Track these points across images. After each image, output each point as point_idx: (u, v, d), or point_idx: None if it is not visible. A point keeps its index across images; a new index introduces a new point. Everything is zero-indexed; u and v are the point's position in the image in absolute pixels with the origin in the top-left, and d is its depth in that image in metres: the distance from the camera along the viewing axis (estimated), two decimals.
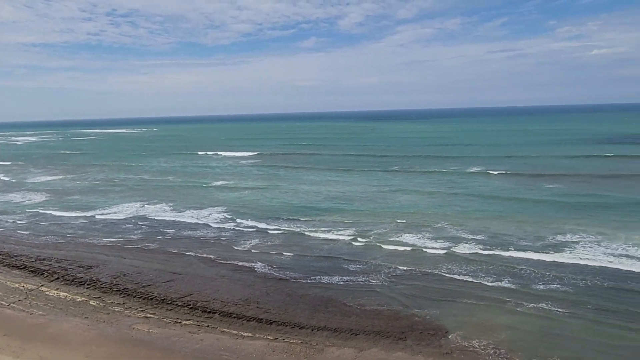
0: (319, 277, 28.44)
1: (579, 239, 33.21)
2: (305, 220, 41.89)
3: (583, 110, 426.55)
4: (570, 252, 30.67)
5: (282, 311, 23.85)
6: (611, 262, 28.63)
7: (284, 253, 33.17)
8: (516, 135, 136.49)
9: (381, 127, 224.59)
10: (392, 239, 35.22)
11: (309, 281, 27.87)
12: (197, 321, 22.96)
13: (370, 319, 22.76)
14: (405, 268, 29.35)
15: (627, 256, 29.50)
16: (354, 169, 73.60)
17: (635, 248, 30.88)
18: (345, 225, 39.55)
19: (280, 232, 38.58)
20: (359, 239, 35.62)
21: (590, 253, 30.34)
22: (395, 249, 33.03)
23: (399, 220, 40.24)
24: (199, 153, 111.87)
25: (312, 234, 37.42)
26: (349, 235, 36.56)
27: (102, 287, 27.42)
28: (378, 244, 34.17)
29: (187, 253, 33.80)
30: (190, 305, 24.80)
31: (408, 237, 35.45)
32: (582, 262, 28.77)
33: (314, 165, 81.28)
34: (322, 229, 38.86)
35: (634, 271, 27.10)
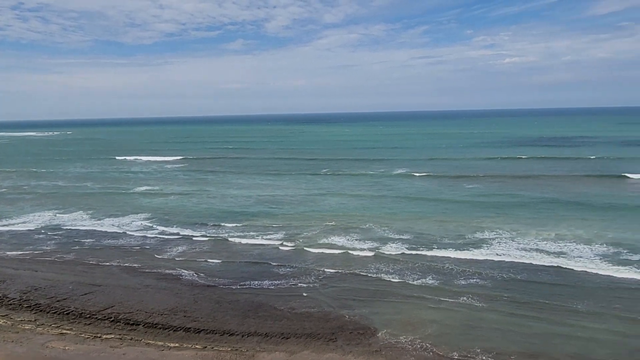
0: (248, 282, 28.02)
1: (496, 236, 35.35)
2: (234, 225, 41.16)
3: (498, 115, 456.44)
4: (488, 249, 32.56)
5: (210, 319, 23.20)
6: (524, 256, 30.75)
7: (212, 259, 32.35)
8: (437, 138, 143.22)
9: (310, 130, 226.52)
10: (321, 242, 35.49)
11: (238, 287, 27.36)
12: (120, 334, 21.74)
13: (301, 321, 22.73)
14: (334, 270, 29.67)
15: (537, 250, 31.82)
16: (284, 172, 73.54)
17: (545, 242, 33.40)
18: (275, 229, 39.31)
19: (207, 238, 37.60)
20: (288, 242, 35.54)
21: (506, 249, 32.39)
22: (325, 252, 33.31)
23: (328, 223, 40.66)
24: (117, 158, 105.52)
25: (241, 239, 36.82)
26: (278, 239, 36.37)
27: (10, 304, 25.16)
28: (308, 247, 34.29)
29: (107, 263, 31.97)
30: (111, 318, 23.44)
31: (337, 239, 35.90)
32: (498, 258, 30.62)
33: (243, 169, 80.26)
34: (252, 233, 38.38)
35: (544, 265, 29.26)
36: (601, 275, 27.29)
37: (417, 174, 66.88)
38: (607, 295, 24.61)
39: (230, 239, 36.95)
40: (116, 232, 39.94)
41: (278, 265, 30.91)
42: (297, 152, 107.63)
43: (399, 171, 70.87)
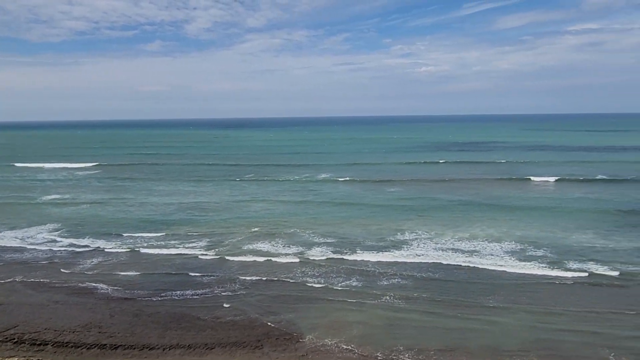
0: (169, 293, 26.93)
1: (416, 237, 36.83)
2: (154, 234, 39.44)
3: (415, 121, 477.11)
4: (408, 250, 33.84)
5: (128, 333, 21.99)
6: (441, 256, 32.29)
7: (130, 271, 30.74)
8: (359, 143, 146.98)
9: (234, 135, 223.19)
10: (246, 248, 35.00)
11: (158, 299, 26.20)
12: (24, 356, 19.96)
13: (225, 330, 22.23)
14: (260, 277, 29.35)
15: (453, 250, 33.56)
16: (207, 179, 71.75)
17: (460, 242, 35.32)
18: (197, 238, 38.18)
19: (125, 249, 35.69)
20: (213, 250, 34.67)
21: (424, 249, 33.84)
22: (250, 259, 32.88)
23: (253, 229, 40.19)
24: (17, 164, 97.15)
25: (161, 249, 35.35)
26: (201, 248, 35.38)
27: None
28: (233, 255, 33.65)
29: (9, 279, 29.30)
30: (14, 339, 21.46)
31: (262, 246, 35.58)
32: (417, 259, 31.91)
33: (164, 175, 77.27)
34: (173, 242, 37.00)
35: (459, 264, 30.90)
36: (509, 272, 29.34)
37: (341, 179, 68.13)
38: (515, 291, 26.49)
39: (149, 249, 35.32)
40: (19, 246, 36.74)
41: (201, 274, 30.01)
42: (220, 158, 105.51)
43: (323, 176, 71.80)
